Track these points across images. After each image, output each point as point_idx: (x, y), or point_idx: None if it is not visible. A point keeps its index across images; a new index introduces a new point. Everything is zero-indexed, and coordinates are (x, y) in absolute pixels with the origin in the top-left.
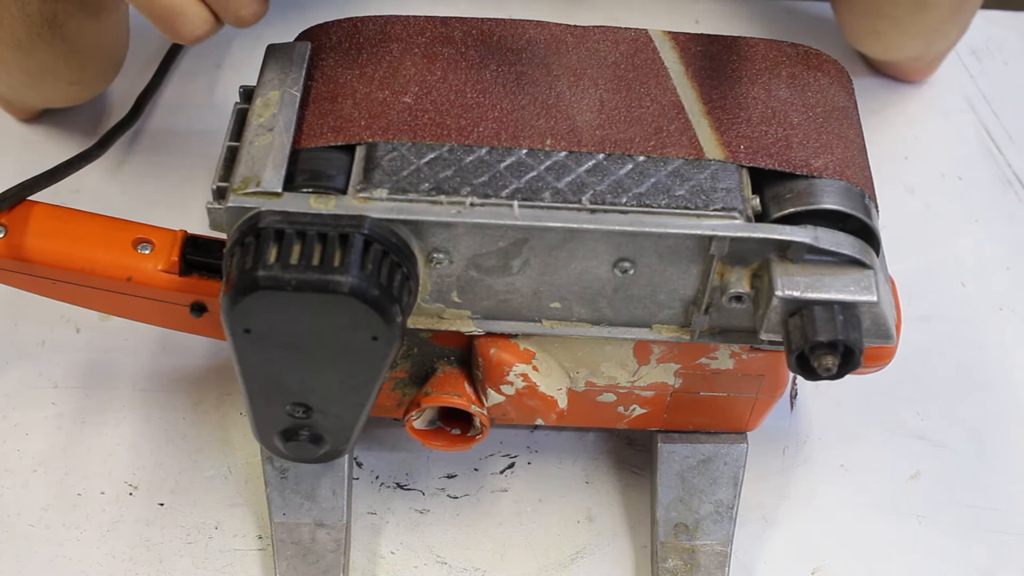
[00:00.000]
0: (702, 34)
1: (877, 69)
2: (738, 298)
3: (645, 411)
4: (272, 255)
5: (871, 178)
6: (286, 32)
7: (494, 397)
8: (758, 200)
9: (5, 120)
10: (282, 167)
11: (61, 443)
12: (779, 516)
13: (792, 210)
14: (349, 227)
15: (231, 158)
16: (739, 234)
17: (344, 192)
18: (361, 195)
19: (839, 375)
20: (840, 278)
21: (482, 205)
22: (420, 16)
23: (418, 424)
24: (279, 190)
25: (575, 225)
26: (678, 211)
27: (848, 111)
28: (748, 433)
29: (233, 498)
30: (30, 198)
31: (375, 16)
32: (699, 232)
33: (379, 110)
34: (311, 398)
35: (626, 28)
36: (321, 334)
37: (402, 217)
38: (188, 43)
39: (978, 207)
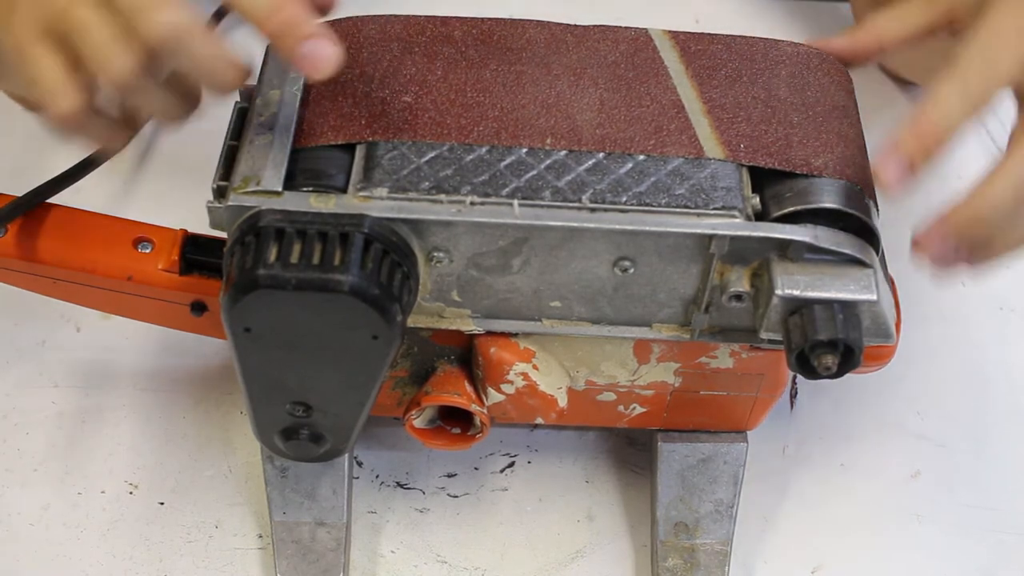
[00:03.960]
0: (702, 33)
1: (888, 72)
2: (738, 297)
3: (645, 410)
4: (272, 254)
5: (871, 177)
6: None
7: (494, 396)
8: (758, 199)
9: (6, 119)
10: (282, 166)
11: (61, 442)
12: (779, 516)
13: (792, 209)
14: (349, 226)
15: (231, 157)
16: (739, 233)
17: (344, 191)
18: (361, 194)
19: (839, 374)
20: (840, 277)
21: (482, 204)
22: (420, 15)
23: (418, 423)
24: (279, 189)
25: (575, 224)
26: (678, 210)
27: (848, 110)
28: (748, 432)
29: (233, 497)
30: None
31: (375, 15)
32: (699, 231)
33: (379, 109)
34: (311, 397)
35: (626, 27)
36: (321, 333)
37: (402, 216)
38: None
39: None
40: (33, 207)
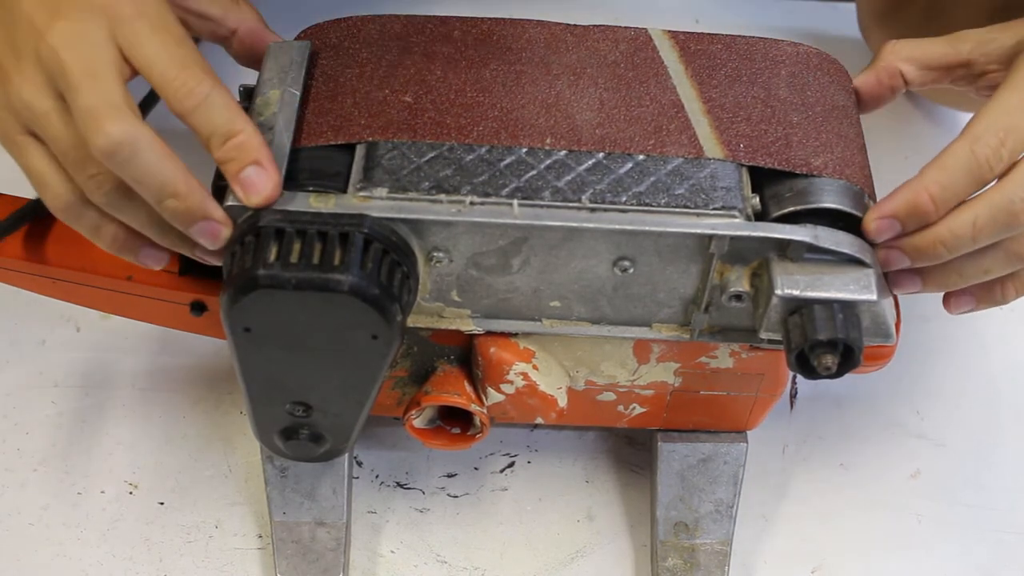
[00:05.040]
0: (702, 33)
1: None
2: (738, 297)
3: (645, 410)
4: (272, 254)
5: (871, 177)
6: (286, 32)
7: (494, 396)
8: (758, 199)
9: None
10: (282, 166)
11: (61, 442)
12: (779, 516)
13: (792, 209)
14: (349, 226)
15: None
16: (739, 233)
17: (344, 191)
18: (361, 194)
19: (839, 374)
20: (840, 277)
21: (482, 204)
22: (420, 15)
23: (418, 423)
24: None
25: (575, 224)
26: (678, 210)
27: (848, 110)
28: (748, 432)
29: (233, 497)
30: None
31: (375, 15)
32: (699, 231)
33: (379, 109)
34: (311, 397)
35: (626, 27)
36: (321, 333)
37: (402, 216)
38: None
39: None
40: (40, 217)
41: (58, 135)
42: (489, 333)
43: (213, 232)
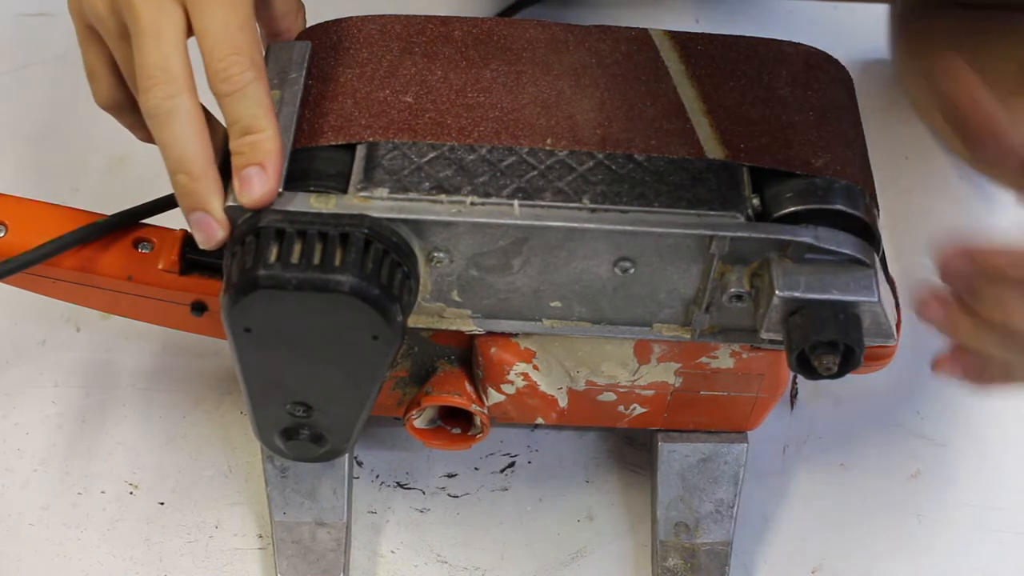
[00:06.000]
0: (702, 33)
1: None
2: (738, 297)
3: (645, 410)
4: (273, 254)
5: (871, 177)
6: None
7: (494, 396)
8: (758, 199)
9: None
10: (283, 166)
11: (61, 442)
12: (779, 516)
13: (792, 209)
14: (350, 226)
15: None
16: (739, 234)
17: (345, 191)
18: (362, 194)
19: (839, 374)
20: (840, 277)
21: (483, 204)
22: (420, 15)
23: (418, 423)
24: (280, 189)
25: (575, 224)
26: (678, 210)
27: (848, 110)
28: (748, 432)
29: (233, 497)
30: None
31: (375, 15)
32: (699, 231)
33: (379, 109)
34: (312, 397)
35: (626, 28)
36: (322, 333)
37: (403, 216)
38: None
39: (979, 206)
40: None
41: (121, 55)
42: (489, 333)
43: (208, 227)
